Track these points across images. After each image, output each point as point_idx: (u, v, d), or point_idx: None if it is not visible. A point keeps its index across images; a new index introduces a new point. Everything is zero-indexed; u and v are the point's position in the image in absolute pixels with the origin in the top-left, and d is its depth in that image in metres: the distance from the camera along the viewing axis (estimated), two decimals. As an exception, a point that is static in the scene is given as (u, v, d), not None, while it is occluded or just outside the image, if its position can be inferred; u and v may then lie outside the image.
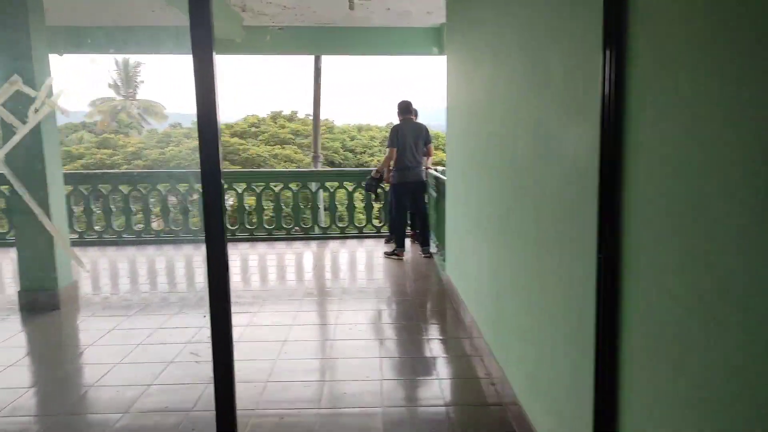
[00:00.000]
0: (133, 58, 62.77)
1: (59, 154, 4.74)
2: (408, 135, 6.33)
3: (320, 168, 9.85)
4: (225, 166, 19.69)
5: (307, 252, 7.12)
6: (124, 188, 7.52)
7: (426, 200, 6.71)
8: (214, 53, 1.82)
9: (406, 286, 5.29)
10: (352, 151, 24.57)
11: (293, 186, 7.76)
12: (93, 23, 7.08)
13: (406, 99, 6.51)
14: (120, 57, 55.28)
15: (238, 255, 6.90)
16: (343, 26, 7.41)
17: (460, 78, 4.32)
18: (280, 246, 7.41)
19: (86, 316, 4.54)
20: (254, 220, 7.81)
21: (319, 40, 7.42)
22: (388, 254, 6.55)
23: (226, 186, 7.78)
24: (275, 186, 7.77)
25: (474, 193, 3.78)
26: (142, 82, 56.91)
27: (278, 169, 19.75)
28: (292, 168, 20.36)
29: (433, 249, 6.60)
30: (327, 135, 23.63)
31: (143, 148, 20.35)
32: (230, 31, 6.89)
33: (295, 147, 21.99)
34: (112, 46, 7.37)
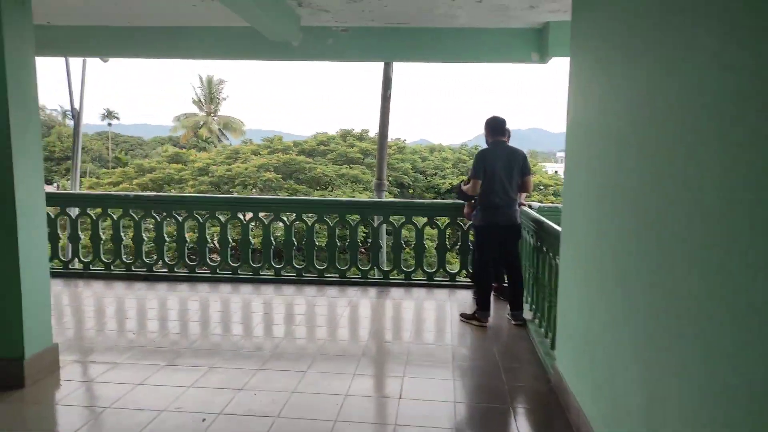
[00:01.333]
0: (217, 76, 65.11)
1: (40, 170, 3.61)
2: (499, 163, 4.80)
3: (384, 197, 8.36)
4: (289, 185, 18.88)
5: (363, 301, 5.71)
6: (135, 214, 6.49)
7: (519, 249, 5.13)
8: None
9: (489, 379, 3.73)
10: (422, 172, 23.23)
11: (353, 217, 6.42)
12: (130, 23, 6.12)
13: (498, 116, 4.98)
14: (204, 74, 57.62)
15: (283, 299, 5.61)
16: (420, 26, 6.04)
17: (596, 89, 2.79)
18: (332, 292, 6.06)
19: (64, 396, 3.34)
20: (302, 259, 6.52)
21: (390, 43, 6.08)
22: (465, 318, 5.00)
23: (271, 215, 6.55)
24: (330, 218, 6.46)
25: (623, 254, 2.22)
26: (225, 98, 59.24)
27: (337, 197, 18.69)
28: (359, 193, 19.23)
29: (527, 315, 4.99)
30: (396, 156, 22.42)
31: (211, 164, 19.95)
32: (285, 32, 5.70)
33: (363, 167, 20.90)
34: (155, 50, 6.40)
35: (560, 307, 3.51)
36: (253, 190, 19.42)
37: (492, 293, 5.08)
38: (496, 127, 4.92)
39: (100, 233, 6.57)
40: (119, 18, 6.00)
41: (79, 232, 6.75)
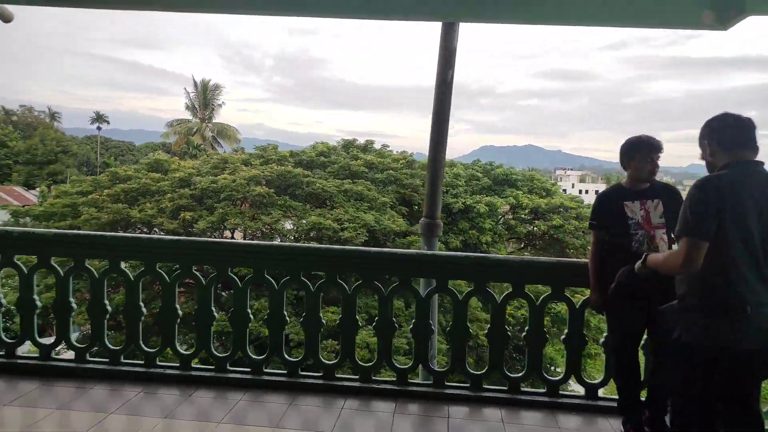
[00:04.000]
0: (213, 81, 62.88)
1: None
2: (754, 208, 2.25)
3: (436, 247, 5.24)
4: (283, 201, 16.27)
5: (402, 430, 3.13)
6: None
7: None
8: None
9: None
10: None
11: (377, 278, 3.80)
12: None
13: (739, 115, 2.40)
14: (198, 78, 55.21)
15: (266, 418, 3.05)
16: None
17: None
18: (349, 409, 3.46)
19: None
20: (301, 351, 3.90)
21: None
22: None
23: (247, 274, 3.91)
24: (346, 279, 3.85)
25: None
26: (221, 105, 56.79)
27: (338, 217, 16.05)
28: (363, 212, 16.64)
29: None
30: (404, 171, 19.89)
31: (194, 174, 17.35)
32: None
33: (368, 183, 18.34)
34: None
35: None
36: (243, 206, 16.82)
37: None
38: (740, 134, 2.35)
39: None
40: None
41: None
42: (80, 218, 15.69)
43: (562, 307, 14.11)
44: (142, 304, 3.89)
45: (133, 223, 16.27)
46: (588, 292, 3.44)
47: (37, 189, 36.71)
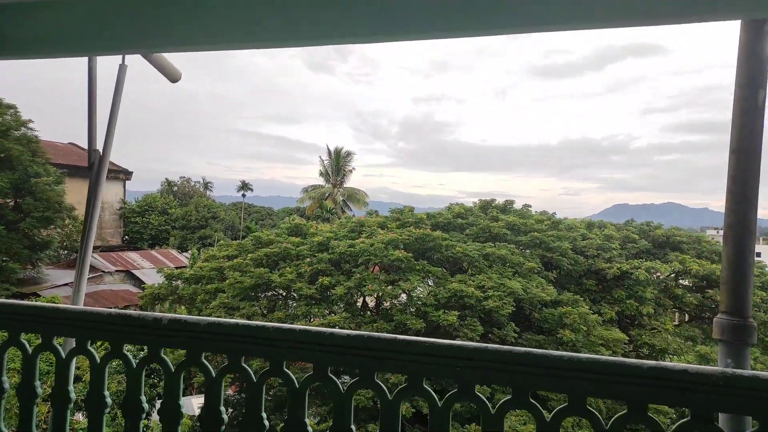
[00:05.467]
0: (351, 147, 66.19)
1: None
2: None
3: (748, 361, 3.85)
4: (421, 266, 15.40)
5: None
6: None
7: None
8: None
9: None
10: (581, 252, 18.71)
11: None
12: None
13: None
14: (331, 147, 58.42)
15: None
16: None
17: None
18: None
19: None
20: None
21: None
22: None
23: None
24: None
25: None
26: (351, 170, 59.27)
27: (481, 282, 14.67)
28: (508, 278, 15.17)
29: None
30: (550, 233, 18.20)
31: (332, 238, 17.24)
32: None
33: (512, 246, 16.92)
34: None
35: None
36: (374, 270, 16.23)
37: None
38: None
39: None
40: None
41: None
42: (226, 282, 16.11)
43: None
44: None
45: (273, 287, 16.37)
46: None
47: (189, 251, 40.02)
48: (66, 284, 26.23)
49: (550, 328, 14.85)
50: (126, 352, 2.65)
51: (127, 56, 3.85)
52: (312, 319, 14.55)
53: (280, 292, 16.88)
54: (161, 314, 2.60)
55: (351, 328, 13.92)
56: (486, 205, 20.39)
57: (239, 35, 2.64)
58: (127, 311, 2.65)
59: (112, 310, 2.76)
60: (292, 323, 14.64)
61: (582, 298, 16.56)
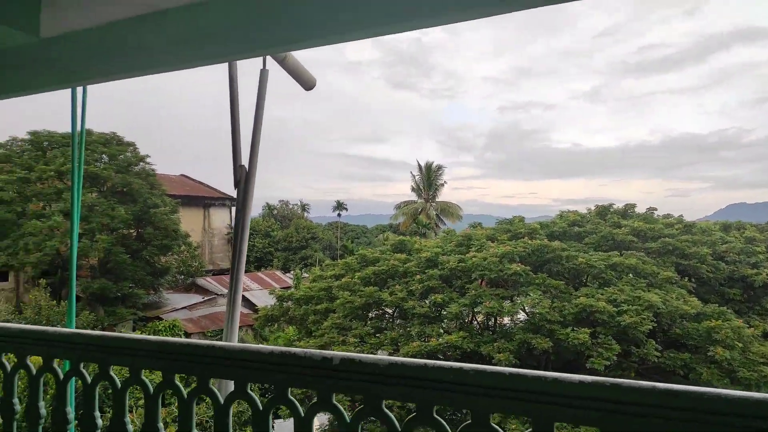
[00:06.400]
0: (436, 162, 65.86)
1: None
2: None
3: None
4: (541, 279, 14.26)
5: None
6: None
7: None
8: None
9: None
10: (721, 258, 16.59)
11: None
12: None
13: None
14: (420, 163, 58.16)
15: None
16: None
17: None
18: None
19: None
20: None
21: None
22: None
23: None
24: None
25: None
26: (443, 184, 58.60)
27: (612, 296, 13.21)
28: (642, 290, 13.62)
29: None
30: (684, 237, 16.29)
31: (439, 254, 16.56)
32: None
33: (642, 253, 15.29)
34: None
35: None
36: (482, 284, 15.28)
37: None
38: None
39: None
40: None
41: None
42: (336, 302, 15.91)
43: None
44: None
45: (383, 305, 15.97)
46: None
47: (292, 272, 41.04)
48: (184, 308, 27.61)
49: (696, 345, 13.10)
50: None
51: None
52: (428, 340, 13.88)
53: (387, 310, 16.44)
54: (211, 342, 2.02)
55: (469, 348, 13.07)
56: (603, 211, 18.78)
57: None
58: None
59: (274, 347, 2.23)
60: (406, 344, 14.07)
61: (728, 309, 14.56)
